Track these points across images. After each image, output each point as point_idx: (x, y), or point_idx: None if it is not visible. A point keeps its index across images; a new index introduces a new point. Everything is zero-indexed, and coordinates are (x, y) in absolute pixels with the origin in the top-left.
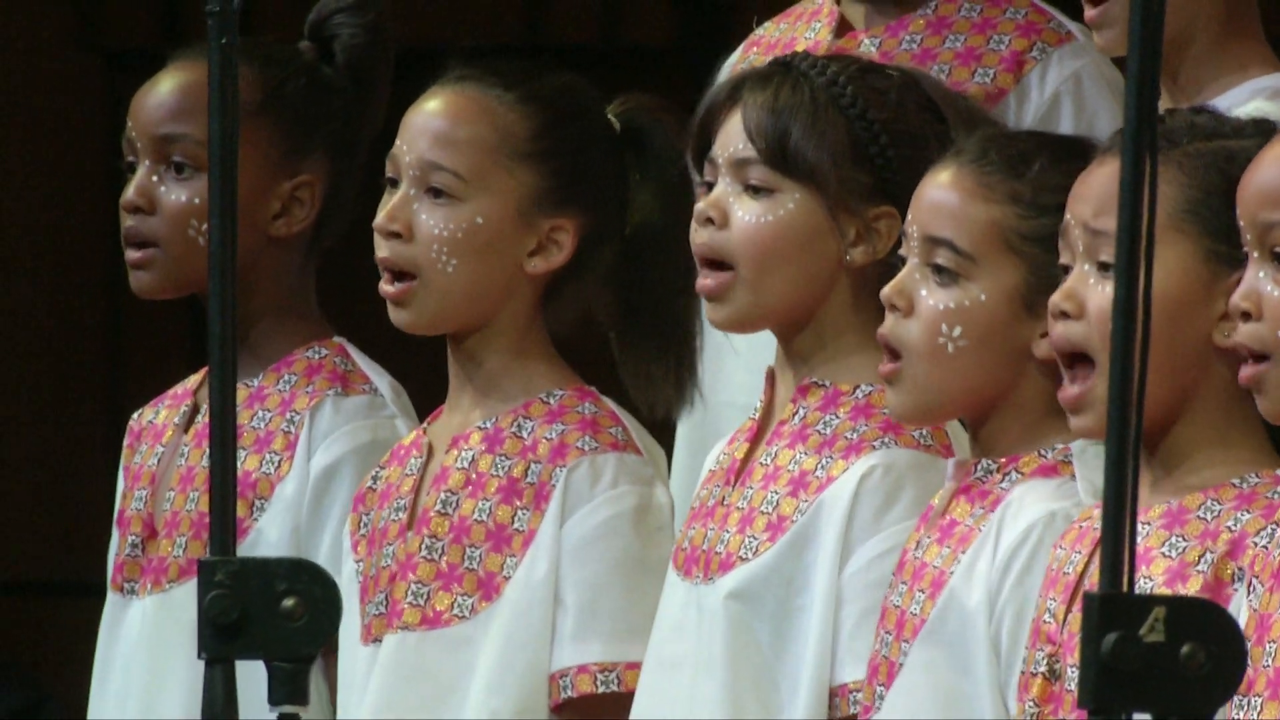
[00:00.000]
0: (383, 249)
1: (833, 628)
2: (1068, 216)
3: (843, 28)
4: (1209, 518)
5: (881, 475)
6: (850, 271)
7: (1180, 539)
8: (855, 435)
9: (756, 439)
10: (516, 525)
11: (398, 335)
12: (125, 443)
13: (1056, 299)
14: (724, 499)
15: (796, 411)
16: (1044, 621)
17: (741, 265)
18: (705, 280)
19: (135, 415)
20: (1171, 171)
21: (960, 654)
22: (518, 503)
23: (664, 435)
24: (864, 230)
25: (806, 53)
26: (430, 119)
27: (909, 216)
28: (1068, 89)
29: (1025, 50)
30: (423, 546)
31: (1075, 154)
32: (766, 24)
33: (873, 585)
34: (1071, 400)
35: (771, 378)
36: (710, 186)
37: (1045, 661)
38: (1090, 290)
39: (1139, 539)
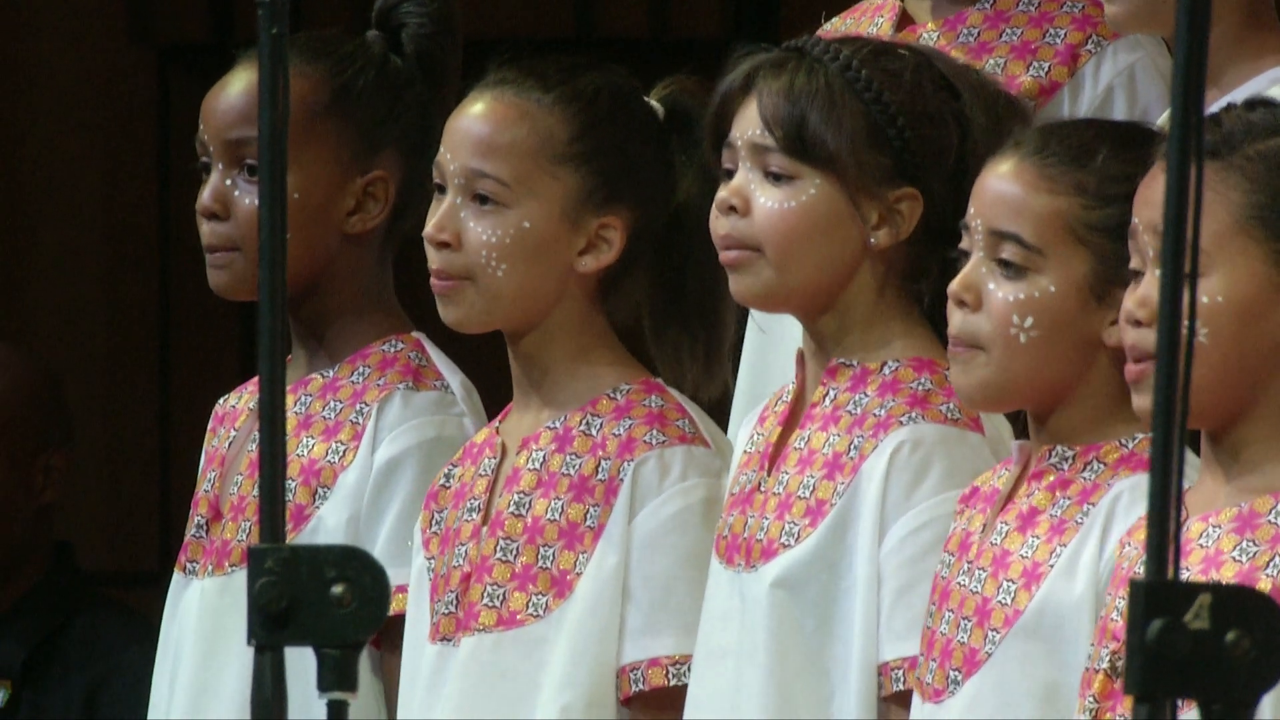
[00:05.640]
0: (434, 259)
1: (875, 607)
2: (1135, 220)
3: (903, 21)
4: (1279, 521)
5: (910, 451)
6: (874, 255)
7: (1251, 543)
8: (883, 412)
9: (789, 423)
10: (588, 522)
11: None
12: (209, 427)
13: (1130, 306)
14: (760, 485)
15: (826, 393)
16: (1111, 619)
17: (767, 249)
18: (728, 254)
19: (220, 400)
20: (1235, 177)
21: (1061, 648)
22: (589, 500)
23: (720, 417)
24: (886, 213)
25: (818, 37)
26: (472, 126)
27: (970, 210)
28: (1121, 82)
29: (1080, 43)
30: (497, 548)
31: (1136, 142)
32: (834, 19)
33: (906, 563)
34: (1134, 378)
35: (802, 360)
36: (730, 173)
37: (1109, 658)
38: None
39: (1210, 542)
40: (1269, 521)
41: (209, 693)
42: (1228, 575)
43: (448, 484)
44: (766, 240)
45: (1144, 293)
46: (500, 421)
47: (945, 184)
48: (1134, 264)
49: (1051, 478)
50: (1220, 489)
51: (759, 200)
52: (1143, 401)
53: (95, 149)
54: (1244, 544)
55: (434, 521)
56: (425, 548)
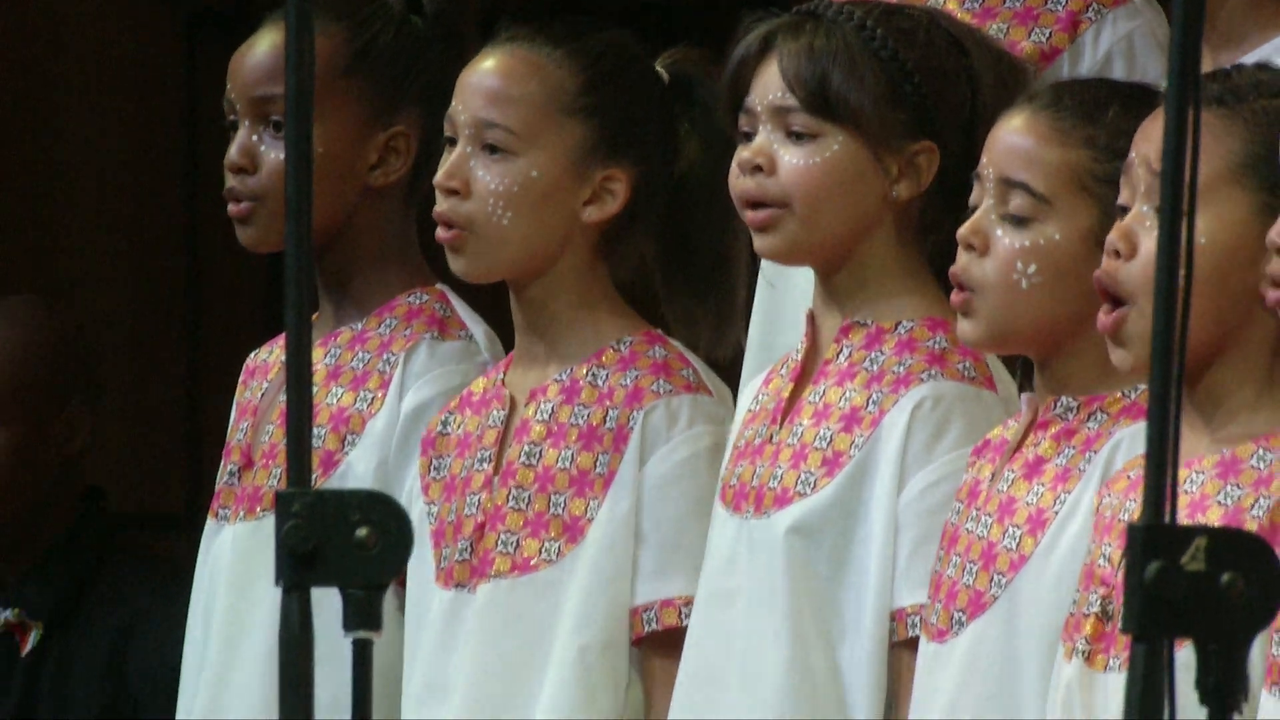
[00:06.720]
0: (441, 204)
1: (891, 555)
2: (1132, 154)
3: None
4: (1261, 466)
5: (931, 407)
6: (894, 208)
7: (1235, 487)
8: (902, 369)
9: (801, 379)
10: (598, 469)
11: (496, 285)
12: (240, 380)
13: (1113, 236)
14: (771, 437)
15: (841, 350)
16: (1098, 565)
17: (795, 205)
18: (755, 214)
19: (251, 355)
20: (1238, 126)
21: (1067, 590)
22: (598, 448)
23: (732, 374)
24: (905, 166)
25: (829, 0)
26: (483, 79)
27: (982, 160)
28: (1120, 49)
29: (1081, 10)
30: (510, 497)
31: (1145, 100)
32: None
33: (925, 514)
34: (1106, 329)
35: (812, 319)
36: (748, 136)
37: (1099, 603)
38: (1145, 233)
39: (1194, 487)
40: (1251, 466)
41: (241, 631)
42: (1213, 519)
43: (446, 431)
44: (794, 196)
45: (1127, 225)
46: (503, 373)
47: (958, 139)
48: (1123, 198)
49: (1057, 427)
50: (1200, 439)
51: (784, 159)
52: (1119, 359)
53: (123, 109)
54: (1228, 488)
55: (433, 468)
56: (425, 493)
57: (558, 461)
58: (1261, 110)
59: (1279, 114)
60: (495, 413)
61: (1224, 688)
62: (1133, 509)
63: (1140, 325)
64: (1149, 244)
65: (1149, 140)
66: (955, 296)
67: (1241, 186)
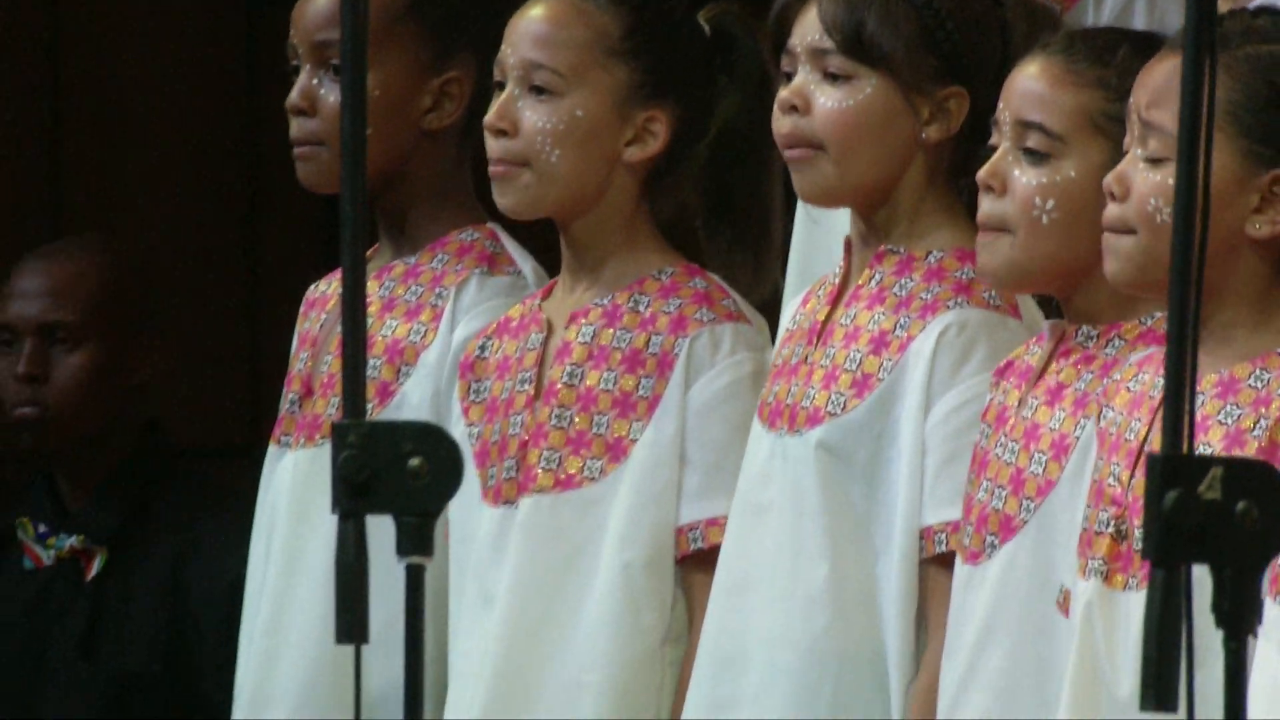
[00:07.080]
0: (492, 148)
1: (919, 475)
2: (1130, 101)
3: None
4: (1259, 385)
5: (956, 332)
6: (925, 149)
7: (1235, 406)
8: (930, 296)
9: (835, 302)
10: (641, 392)
11: (543, 224)
12: (300, 312)
13: (1108, 180)
14: (806, 357)
15: (873, 276)
16: (1108, 484)
17: (828, 146)
18: (791, 151)
19: (312, 287)
20: (1220, 74)
21: None
22: (641, 371)
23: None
24: (936, 110)
25: None
26: (531, 24)
27: (1000, 105)
28: None
29: None
30: (552, 415)
31: (1153, 46)
32: None
33: (950, 435)
34: (1104, 246)
35: (849, 247)
36: (789, 77)
37: (1111, 522)
38: (1136, 174)
39: (1196, 409)
40: (1249, 385)
41: (301, 552)
42: (1215, 439)
43: (484, 355)
44: (827, 137)
45: (1122, 168)
46: (542, 299)
47: (988, 86)
48: (1125, 142)
49: (1078, 355)
50: (1199, 364)
51: (819, 100)
52: (1109, 267)
53: (186, 50)
54: (1227, 408)
55: (472, 391)
56: (466, 415)
57: (600, 383)
58: (1245, 57)
59: (1264, 62)
60: (533, 335)
61: (1238, 612)
62: (1138, 428)
63: (1139, 248)
64: (1138, 187)
65: (1143, 87)
66: (981, 236)
67: (1221, 132)
